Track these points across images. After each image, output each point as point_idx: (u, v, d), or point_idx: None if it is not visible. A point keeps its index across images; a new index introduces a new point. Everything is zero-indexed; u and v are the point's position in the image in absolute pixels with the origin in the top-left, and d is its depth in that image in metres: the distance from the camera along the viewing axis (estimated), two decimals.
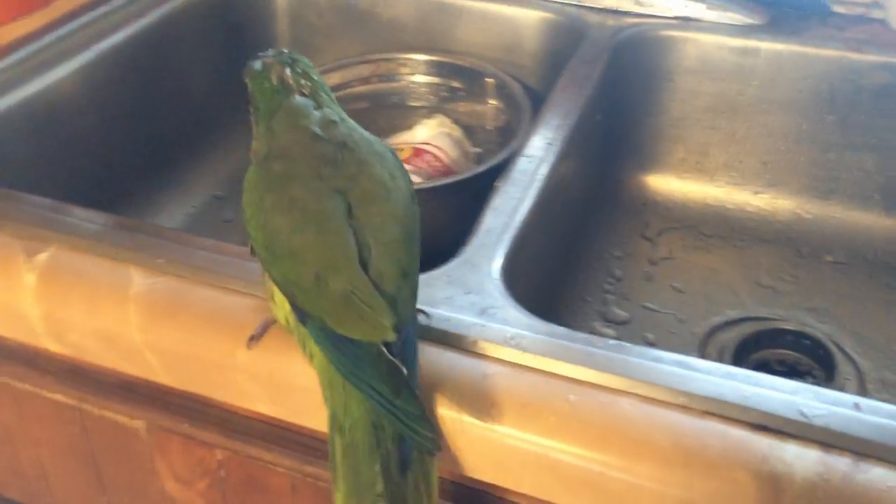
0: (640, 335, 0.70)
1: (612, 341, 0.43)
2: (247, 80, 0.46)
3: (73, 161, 0.70)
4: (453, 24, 0.87)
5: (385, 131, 0.85)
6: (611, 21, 0.81)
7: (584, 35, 0.78)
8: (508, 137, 0.79)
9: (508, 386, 0.41)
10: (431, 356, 0.43)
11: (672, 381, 0.40)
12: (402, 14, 0.89)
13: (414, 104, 0.87)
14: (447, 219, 0.72)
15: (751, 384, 0.40)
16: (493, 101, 0.82)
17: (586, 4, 0.83)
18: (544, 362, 0.42)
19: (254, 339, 0.44)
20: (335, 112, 0.44)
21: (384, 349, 0.38)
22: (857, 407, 0.39)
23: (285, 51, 0.46)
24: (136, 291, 0.46)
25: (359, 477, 0.38)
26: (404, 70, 0.85)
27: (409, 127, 0.85)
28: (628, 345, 0.43)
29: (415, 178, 0.75)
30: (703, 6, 0.79)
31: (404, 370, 0.37)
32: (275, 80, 0.44)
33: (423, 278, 0.48)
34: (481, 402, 0.40)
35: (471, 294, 0.47)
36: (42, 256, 0.48)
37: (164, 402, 0.51)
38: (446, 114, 0.85)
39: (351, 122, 0.44)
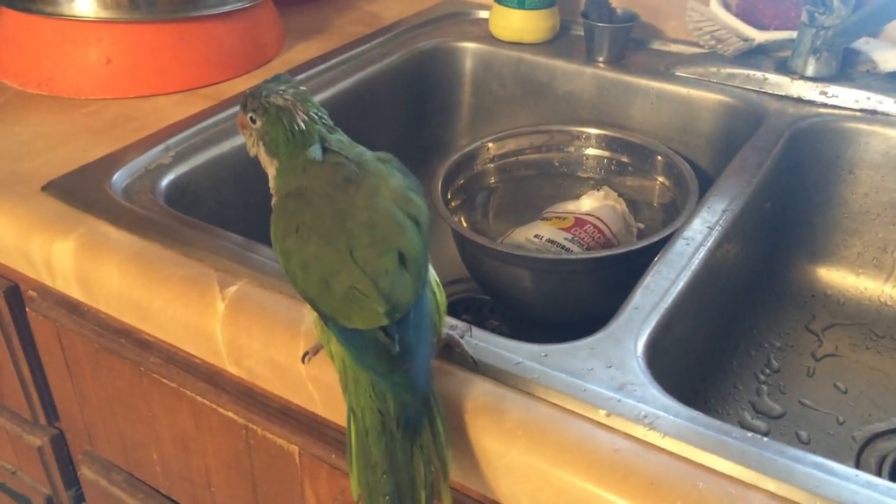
0: (792, 432, 0.68)
1: (749, 433, 0.43)
2: (257, 116, 0.48)
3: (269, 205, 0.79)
4: (629, 101, 0.89)
5: (550, 199, 0.88)
6: (791, 109, 0.80)
7: (762, 121, 0.78)
8: (673, 216, 0.80)
9: (637, 463, 0.42)
10: (566, 423, 0.44)
11: (807, 482, 0.40)
12: (579, 88, 0.92)
13: (582, 175, 0.89)
14: (600, 290, 0.74)
15: (892, 497, 0.38)
16: (661, 179, 0.83)
17: (768, 91, 0.82)
18: (676, 445, 0.42)
19: (307, 355, 0.49)
20: (344, 144, 0.48)
21: (381, 334, 0.42)
22: None
23: (287, 78, 0.49)
24: (306, 329, 0.51)
25: (368, 458, 0.43)
26: (576, 142, 0.88)
27: (575, 197, 0.87)
28: (765, 439, 0.43)
29: (574, 248, 0.77)
30: (891, 100, 0.76)
31: (396, 348, 0.42)
32: (301, 122, 0.47)
33: (567, 347, 0.50)
34: (610, 475, 0.41)
35: (612, 368, 0.48)
36: (232, 289, 0.54)
37: (318, 432, 0.55)
38: (613, 187, 0.87)
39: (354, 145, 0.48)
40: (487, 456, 0.44)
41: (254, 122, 0.49)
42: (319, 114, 0.49)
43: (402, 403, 0.43)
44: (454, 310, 0.84)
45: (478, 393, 0.46)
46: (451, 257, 0.83)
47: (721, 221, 0.63)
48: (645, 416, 0.44)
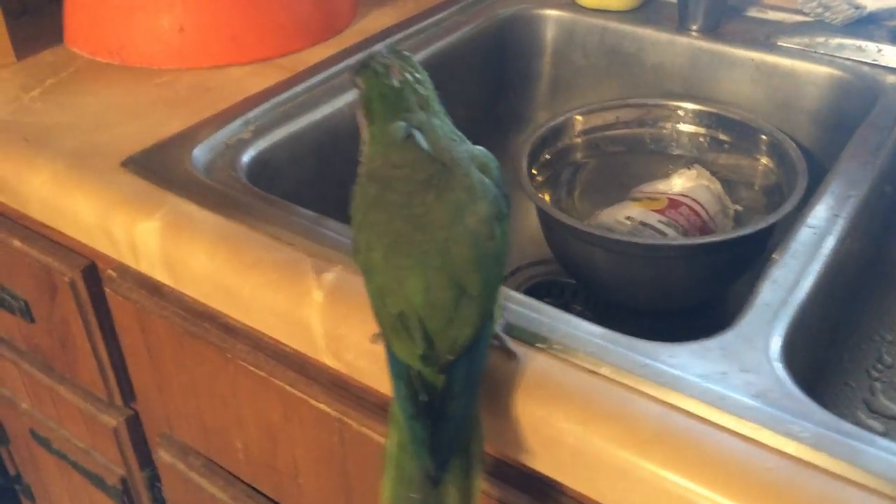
0: None
1: None
2: (359, 79, 0.46)
3: (348, 182, 0.75)
4: (724, 74, 0.84)
5: (639, 178, 0.83)
6: None
7: (877, 97, 0.72)
8: (775, 199, 0.75)
9: (795, 484, 0.38)
10: (707, 436, 0.40)
11: None
12: (669, 60, 0.87)
13: (673, 153, 0.84)
14: (695, 277, 0.69)
15: None
16: (763, 160, 0.78)
17: (882, 64, 0.76)
18: (834, 463, 0.38)
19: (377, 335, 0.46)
20: (446, 127, 0.45)
21: (416, 372, 0.40)
22: None
23: (393, 49, 0.47)
24: None
25: (402, 471, 0.41)
26: (670, 117, 0.83)
27: (665, 175, 0.82)
28: None
29: (669, 232, 0.73)
30: None
31: (424, 397, 0.39)
32: (396, 84, 0.45)
33: (696, 348, 0.46)
34: (765, 497, 0.38)
35: (747, 373, 0.44)
36: (329, 276, 0.51)
37: None
38: (704, 165, 0.82)
39: (450, 132, 0.45)
40: (619, 468, 0.41)
41: (358, 85, 0.46)
42: (419, 77, 0.46)
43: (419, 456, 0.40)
44: (535, 293, 0.80)
45: (605, 398, 0.43)
46: (534, 237, 0.79)
47: (847, 208, 0.58)
48: (792, 430, 0.40)
